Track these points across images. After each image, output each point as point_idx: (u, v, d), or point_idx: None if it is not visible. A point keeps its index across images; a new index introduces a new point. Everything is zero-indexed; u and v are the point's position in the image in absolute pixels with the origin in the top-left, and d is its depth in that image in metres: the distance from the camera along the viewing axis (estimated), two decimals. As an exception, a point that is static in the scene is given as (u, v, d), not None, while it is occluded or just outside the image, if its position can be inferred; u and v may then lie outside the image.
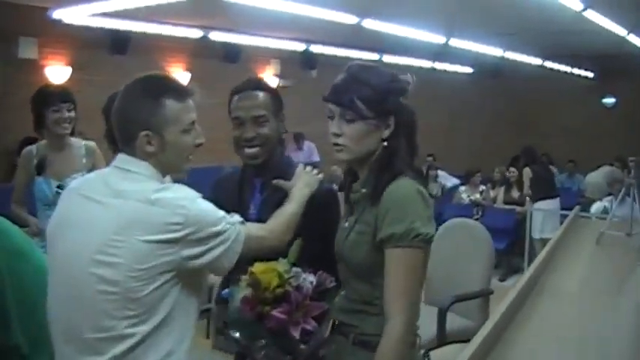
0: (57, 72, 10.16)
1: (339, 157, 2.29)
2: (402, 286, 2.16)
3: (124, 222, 2.03)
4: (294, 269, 2.36)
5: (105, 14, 9.01)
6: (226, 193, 2.76)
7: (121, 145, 2.19)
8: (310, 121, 12.27)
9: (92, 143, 4.27)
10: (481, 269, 4.73)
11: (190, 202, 2.10)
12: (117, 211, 2.05)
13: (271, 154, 2.72)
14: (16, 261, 2.87)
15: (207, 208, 2.15)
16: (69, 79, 9.96)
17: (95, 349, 2.07)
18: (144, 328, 2.07)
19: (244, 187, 2.82)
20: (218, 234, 2.15)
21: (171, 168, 2.22)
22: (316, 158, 12.65)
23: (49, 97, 4.07)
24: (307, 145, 13.03)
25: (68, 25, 9.25)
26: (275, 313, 2.24)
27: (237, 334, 2.34)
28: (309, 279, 2.33)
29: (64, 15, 8.83)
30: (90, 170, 3.80)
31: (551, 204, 9.55)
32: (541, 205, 9.55)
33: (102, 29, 9.97)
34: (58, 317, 2.17)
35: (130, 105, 2.15)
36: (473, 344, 2.57)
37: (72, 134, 4.22)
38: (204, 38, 11.04)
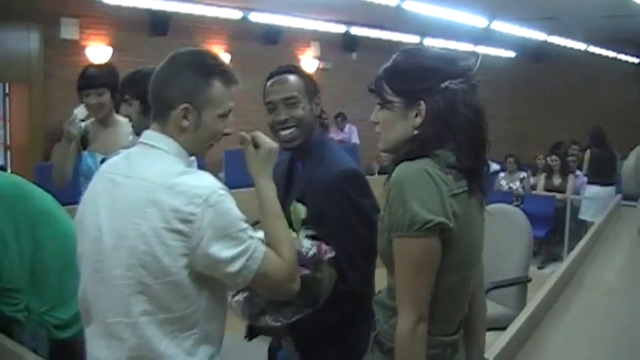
0: (98, 52, 10.24)
1: (378, 147, 2.18)
2: (405, 281, 1.98)
3: (140, 203, 1.99)
4: (301, 232, 2.41)
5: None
6: (277, 181, 2.75)
7: (154, 116, 2.16)
8: (350, 104, 12.30)
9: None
10: (519, 256, 4.68)
11: (210, 194, 1.99)
12: (135, 191, 2.03)
13: (308, 137, 2.72)
14: (42, 222, 3.10)
15: (229, 207, 2.03)
16: (110, 60, 10.03)
17: (115, 334, 2.05)
18: (159, 317, 2.02)
19: (290, 173, 2.84)
20: (236, 240, 2.02)
21: (195, 148, 2.17)
22: (356, 140, 12.61)
23: (81, 81, 4.13)
24: (348, 127, 12.97)
25: (109, 5, 9.32)
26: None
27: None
28: (306, 246, 2.37)
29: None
30: None
31: (602, 191, 9.37)
32: (593, 189, 9.41)
33: (142, 10, 10.03)
34: (86, 297, 2.16)
35: (176, 75, 2.11)
36: (509, 332, 2.55)
37: (117, 111, 4.23)
38: (245, 19, 11.03)
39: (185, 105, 2.08)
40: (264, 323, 2.44)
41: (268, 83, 2.75)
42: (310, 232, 2.46)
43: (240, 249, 2.01)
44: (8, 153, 10.41)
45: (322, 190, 2.55)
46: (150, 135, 2.14)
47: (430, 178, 1.96)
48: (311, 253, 2.39)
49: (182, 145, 2.11)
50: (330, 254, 2.41)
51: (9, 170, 9.76)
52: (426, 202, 1.93)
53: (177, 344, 2.03)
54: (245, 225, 2.05)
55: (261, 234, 2.15)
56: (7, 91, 10.27)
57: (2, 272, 3.03)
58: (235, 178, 8.73)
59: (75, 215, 2.24)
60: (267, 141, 2.29)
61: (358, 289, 2.54)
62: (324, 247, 2.41)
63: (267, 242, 2.13)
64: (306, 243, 2.41)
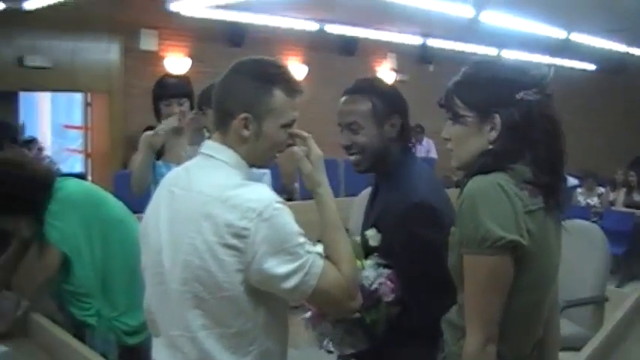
0: (176, 63, 10.43)
1: (452, 165, 2.10)
2: (474, 300, 1.91)
3: (195, 216, 1.96)
4: (368, 261, 2.33)
5: (221, 6, 9.15)
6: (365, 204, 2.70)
7: (215, 125, 2.12)
8: (426, 116, 12.17)
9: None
10: (596, 274, 4.55)
11: (264, 208, 1.91)
12: (191, 204, 2.00)
13: (379, 161, 2.58)
14: (113, 229, 3.19)
15: (285, 221, 1.95)
16: (188, 71, 10.19)
17: (177, 347, 2.03)
18: (216, 332, 1.99)
19: (374, 196, 2.71)
20: (292, 256, 1.93)
21: (257, 160, 2.11)
22: (433, 155, 12.43)
23: (161, 91, 4.14)
24: (426, 140, 12.83)
25: (187, 17, 9.47)
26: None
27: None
28: (370, 277, 2.30)
29: (181, 7, 9.02)
30: None
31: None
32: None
33: (219, 22, 10.16)
34: (150, 309, 2.16)
35: (237, 84, 2.06)
36: (584, 353, 2.47)
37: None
38: (321, 31, 11.07)
39: (245, 114, 2.02)
40: (324, 347, 2.42)
41: (341, 100, 2.63)
42: (381, 261, 2.39)
43: (296, 264, 1.92)
44: (89, 160, 10.68)
45: (393, 221, 2.43)
46: (210, 145, 2.11)
47: (504, 193, 1.87)
48: (373, 286, 2.32)
49: (242, 156, 2.06)
50: (389, 298, 2.32)
51: (89, 177, 10.01)
52: (499, 218, 1.85)
53: (237, 359, 2.00)
54: (302, 240, 1.96)
55: (319, 248, 2.05)
56: (88, 100, 10.56)
57: (75, 277, 3.10)
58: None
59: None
60: (315, 148, 2.17)
61: (424, 327, 2.35)
62: (389, 285, 2.33)
63: (327, 255, 2.04)
64: (371, 273, 2.34)
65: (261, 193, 1.97)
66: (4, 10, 8.10)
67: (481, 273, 1.88)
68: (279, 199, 1.97)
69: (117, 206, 3.35)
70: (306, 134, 2.14)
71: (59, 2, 7.71)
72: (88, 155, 10.76)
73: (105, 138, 10.26)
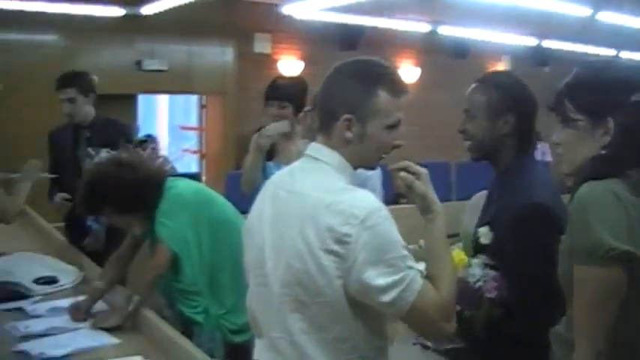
0: (289, 66, 10.54)
1: (562, 171, 2.03)
2: (584, 313, 1.80)
3: (298, 220, 1.94)
4: (476, 260, 2.28)
5: (335, 9, 9.19)
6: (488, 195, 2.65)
7: (319, 127, 2.09)
8: (541, 119, 11.88)
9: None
10: None
11: (368, 215, 1.87)
12: (294, 207, 1.98)
13: (489, 154, 2.55)
14: (221, 229, 3.26)
15: (389, 230, 1.89)
16: (301, 73, 10.28)
17: (278, 349, 2.02)
18: (316, 337, 1.96)
19: (491, 194, 2.65)
20: (393, 268, 1.86)
21: (363, 161, 2.07)
22: (549, 158, 12.11)
23: (267, 92, 4.19)
24: (541, 144, 12.48)
25: (300, 20, 9.56)
26: None
27: None
28: (476, 275, 2.24)
29: (294, 10, 9.11)
30: None
31: None
32: None
33: (333, 24, 10.21)
34: (252, 308, 2.16)
35: (341, 85, 2.03)
36: None
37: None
38: (433, 33, 10.98)
39: (348, 116, 1.98)
40: (419, 341, 2.39)
41: (469, 90, 2.60)
42: (488, 261, 2.33)
43: (395, 278, 1.85)
44: (203, 161, 10.92)
45: (506, 220, 2.35)
46: (315, 147, 2.07)
47: (617, 201, 1.76)
48: (478, 284, 2.29)
49: (346, 158, 2.03)
50: (491, 294, 2.27)
51: (203, 177, 10.23)
52: (612, 227, 1.73)
53: None
54: (404, 252, 1.89)
55: (422, 265, 1.97)
56: (203, 102, 10.80)
57: (184, 275, 3.18)
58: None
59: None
60: (420, 169, 2.09)
61: (528, 334, 2.30)
62: (492, 284, 2.29)
63: (429, 274, 1.97)
64: (478, 271, 2.30)
65: (365, 200, 1.92)
66: (124, 16, 8.39)
67: (592, 285, 1.77)
68: (384, 207, 1.92)
69: (225, 206, 3.43)
70: (424, 171, 2.07)
71: (175, 7, 7.92)
72: (202, 155, 11.02)
73: (219, 139, 10.48)
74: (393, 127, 2.03)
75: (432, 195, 2.05)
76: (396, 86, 2.03)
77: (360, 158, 2.05)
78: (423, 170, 2.07)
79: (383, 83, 2.01)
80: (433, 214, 2.05)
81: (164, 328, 2.95)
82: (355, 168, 2.06)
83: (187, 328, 3.20)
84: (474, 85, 2.57)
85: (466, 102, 2.56)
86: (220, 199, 3.43)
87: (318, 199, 1.93)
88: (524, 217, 2.32)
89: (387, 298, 1.86)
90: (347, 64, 2.08)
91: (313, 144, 2.09)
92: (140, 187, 3.16)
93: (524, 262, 2.29)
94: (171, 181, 3.29)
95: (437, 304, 1.92)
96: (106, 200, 3.17)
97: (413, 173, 2.05)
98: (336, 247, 1.86)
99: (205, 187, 3.49)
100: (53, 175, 4.10)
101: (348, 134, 2.00)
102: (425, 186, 2.05)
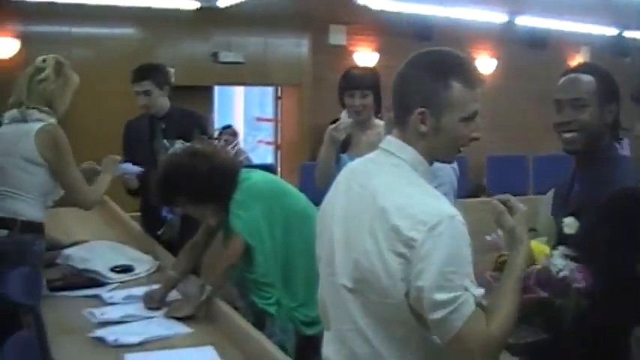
0: (364, 57, 10.51)
1: None
2: None
3: (368, 217, 1.90)
4: (557, 251, 2.18)
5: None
6: (558, 190, 2.59)
7: (395, 120, 2.03)
8: (622, 112, 11.59)
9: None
10: None
11: (437, 222, 1.79)
12: (365, 203, 1.94)
13: (591, 145, 2.47)
14: (295, 221, 3.25)
15: (456, 241, 1.81)
16: (376, 65, 10.23)
17: (345, 342, 2.00)
18: (383, 333, 1.92)
19: (571, 183, 2.58)
20: (450, 283, 1.78)
21: (439, 155, 2.01)
22: (627, 152, 11.81)
23: (345, 82, 4.13)
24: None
25: (375, 11, 9.52)
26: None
27: None
28: (558, 265, 2.12)
29: (370, 1, 9.07)
30: None
31: None
32: None
33: (407, 15, 10.13)
34: (323, 300, 2.14)
35: (414, 77, 1.96)
36: None
37: (376, 116, 4.25)
38: (511, 23, 10.79)
39: (421, 109, 1.92)
40: None
41: (560, 81, 2.52)
42: (569, 252, 2.23)
43: (449, 295, 1.77)
44: (279, 152, 10.99)
45: (597, 211, 2.23)
46: (389, 141, 2.02)
47: None
48: (562, 274, 2.21)
49: (421, 152, 1.97)
50: (580, 284, 2.21)
51: (279, 168, 10.30)
52: None
53: None
54: (467, 269, 1.81)
55: (479, 291, 1.85)
56: (278, 93, 10.86)
57: (257, 266, 3.19)
58: (497, 185, 8.57)
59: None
60: (520, 205, 2.02)
61: (611, 330, 2.17)
62: (578, 274, 2.21)
63: (487, 305, 1.87)
64: (560, 262, 2.23)
65: (438, 206, 1.85)
66: (200, 9, 8.47)
67: None
68: (458, 215, 1.84)
69: (299, 198, 3.43)
70: (522, 208, 2.01)
71: (251, -1, 7.97)
72: (277, 147, 11.08)
73: (294, 130, 10.53)
74: (468, 119, 1.96)
75: (520, 233, 1.99)
76: (470, 77, 1.97)
77: (436, 152, 2.00)
78: (521, 207, 2.00)
79: (457, 74, 1.94)
80: (516, 252, 1.99)
81: (236, 319, 2.96)
82: (431, 162, 2.01)
83: (259, 319, 3.21)
84: (570, 75, 2.49)
85: (566, 91, 2.48)
86: (294, 191, 3.44)
87: (390, 198, 1.88)
88: (619, 205, 2.22)
89: (435, 316, 1.79)
90: (419, 55, 2.02)
91: (388, 137, 2.05)
92: (213, 177, 3.18)
93: (616, 251, 2.17)
94: (245, 173, 3.31)
95: (483, 337, 1.83)
96: (180, 190, 3.20)
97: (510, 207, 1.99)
98: (403, 250, 1.81)
99: (279, 178, 3.50)
100: (138, 169, 4.14)
101: (423, 128, 1.94)
102: (515, 222, 1.98)
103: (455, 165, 3.51)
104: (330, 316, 2.09)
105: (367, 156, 2.13)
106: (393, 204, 1.86)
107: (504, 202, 2.00)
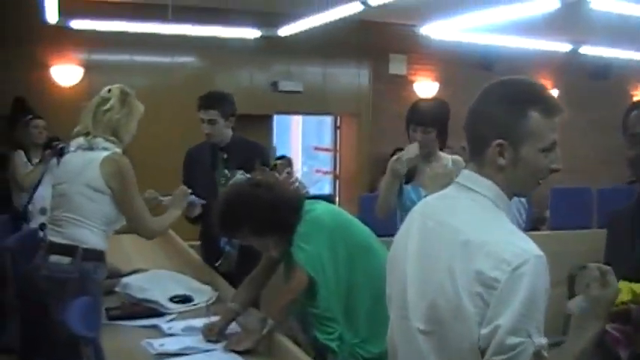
0: (425, 87, 10.47)
1: None
2: None
3: (446, 256, 1.82)
4: None
5: (473, 29, 9.03)
6: (623, 222, 2.50)
7: (470, 154, 1.98)
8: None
9: (459, 158, 4.22)
10: None
11: (522, 262, 1.71)
12: (443, 241, 1.86)
13: None
14: (358, 254, 3.19)
15: (538, 285, 1.72)
16: (436, 95, 10.17)
17: None
18: None
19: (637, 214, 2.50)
20: (520, 329, 1.69)
21: (518, 188, 1.94)
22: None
23: (409, 115, 4.13)
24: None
25: (435, 41, 9.45)
26: (610, 329, 1.96)
27: None
28: None
29: (432, 31, 9.00)
30: None
31: None
32: None
33: (469, 44, 10.04)
34: (394, 342, 2.06)
35: (490, 108, 1.91)
36: None
37: (441, 149, 4.21)
38: (574, 52, 10.61)
39: (499, 141, 1.86)
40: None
41: (632, 114, 2.45)
42: None
43: (515, 341, 1.69)
44: (337, 182, 10.94)
45: None
46: (467, 176, 1.96)
47: None
48: None
49: (500, 186, 1.90)
50: None
51: (337, 199, 10.24)
52: None
53: None
54: (538, 316, 1.71)
55: (542, 341, 1.73)
56: (337, 123, 10.84)
57: (320, 300, 3.11)
58: (560, 218, 8.38)
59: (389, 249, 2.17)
60: (615, 284, 1.88)
61: None
62: None
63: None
64: None
65: (522, 246, 1.75)
66: (260, 37, 8.51)
67: None
68: (541, 254, 1.75)
69: (363, 231, 3.35)
70: (615, 287, 1.88)
71: (312, 28, 7.96)
72: (336, 177, 11.04)
73: (353, 160, 10.49)
74: (548, 149, 1.89)
75: (601, 308, 1.85)
76: (548, 106, 1.90)
77: (515, 185, 1.92)
78: (615, 286, 1.87)
79: (534, 104, 1.88)
80: (592, 327, 1.85)
81: (297, 354, 2.89)
82: (510, 197, 1.93)
83: (321, 354, 3.14)
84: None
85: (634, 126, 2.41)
86: (358, 223, 3.35)
87: (471, 237, 1.80)
88: None
89: (495, 358, 1.70)
90: (494, 85, 1.96)
91: (465, 172, 1.98)
92: (276, 208, 3.12)
93: None
94: (309, 204, 3.25)
95: None
96: (243, 221, 3.15)
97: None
98: (481, 291, 1.72)
99: (343, 210, 3.41)
100: (202, 201, 4.11)
101: (501, 160, 1.87)
102: (602, 295, 1.85)
103: (523, 198, 3.43)
104: (400, 358, 2.01)
105: (442, 192, 2.05)
106: (475, 242, 1.78)
107: (603, 272, 1.87)
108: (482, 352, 1.74)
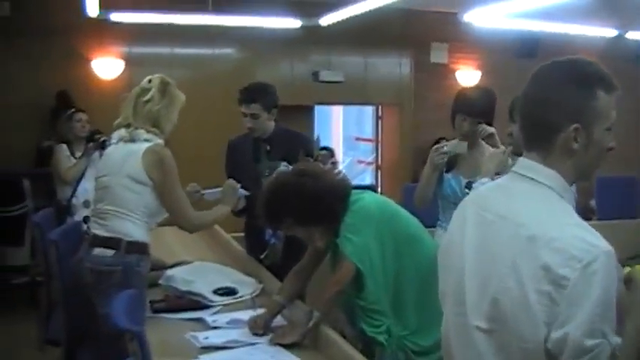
0: (466, 76, 10.34)
1: None
2: None
3: (510, 252, 1.74)
4: None
5: (517, 15, 8.88)
6: None
7: (531, 142, 1.87)
8: None
9: (499, 148, 4.14)
10: None
11: (593, 259, 1.63)
12: (506, 236, 1.78)
13: None
14: (406, 245, 3.13)
15: (610, 282, 1.65)
16: (479, 83, 10.05)
17: None
18: None
19: None
20: (594, 330, 1.62)
21: (583, 174, 1.87)
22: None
23: (455, 104, 4.08)
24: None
25: (477, 28, 9.32)
26: None
27: None
28: None
29: (474, 18, 8.87)
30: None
31: None
32: None
33: (511, 31, 9.89)
34: (448, 339, 1.98)
35: (557, 92, 1.81)
36: None
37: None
38: (619, 38, 10.39)
39: (575, 125, 1.77)
40: None
41: None
42: None
43: (594, 342, 1.62)
44: (379, 172, 10.87)
45: None
46: (527, 165, 1.86)
47: None
48: None
49: (565, 174, 1.81)
50: None
51: (379, 189, 10.18)
52: None
53: None
54: (611, 315, 1.65)
55: (617, 340, 1.68)
56: (379, 113, 10.77)
57: (367, 292, 3.06)
58: (608, 207, 8.23)
59: (437, 241, 2.10)
60: None
61: None
62: None
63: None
64: None
65: (591, 240, 1.67)
66: (301, 27, 8.45)
67: None
68: (610, 249, 1.67)
69: (410, 221, 3.28)
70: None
71: (352, 17, 7.89)
72: (378, 167, 10.97)
73: (394, 150, 10.41)
74: (610, 128, 1.83)
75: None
76: (609, 83, 1.83)
77: (581, 170, 1.85)
78: None
79: (599, 82, 1.81)
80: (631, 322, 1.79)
81: (345, 347, 2.84)
82: (571, 183, 1.85)
83: (368, 347, 3.08)
84: None
85: None
86: (405, 214, 3.28)
87: (537, 232, 1.71)
88: None
89: None
90: (552, 68, 1.87)
91: (525, 161, 1.88)
92: (322, 197, 3.07)
93: None
94: (355, 194, 3.19)
95: None
96: (288, 211, 3.10)
97: None
98: (550, 289, 1.64)
99: (391, 201, 3.34)
100: (247, 193, 4.06)
101: (575, 145, 1.79)
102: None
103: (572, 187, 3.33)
104: (454, 355, 1.93)
105: (497, 182, 1.99)
106: (542, 237, 1.69)
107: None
108: (551, 355, 1.67)
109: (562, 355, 1.64)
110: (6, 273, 7.18)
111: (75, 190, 6.01)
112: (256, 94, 4.33)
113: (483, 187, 2.04)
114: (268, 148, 4.35)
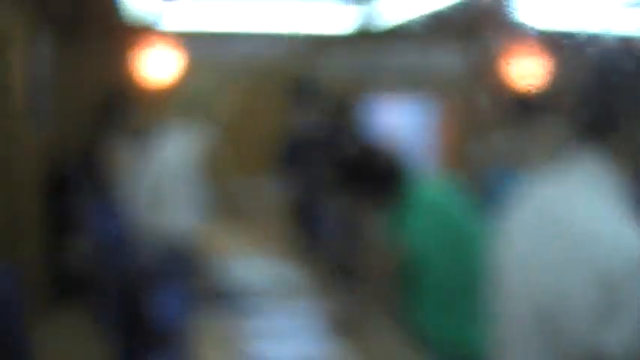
0: (529, 69, 10.28)
1: None
2: None
3: (557, 248, 1.69)
4: None
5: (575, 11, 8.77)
6: None
7: (594, 134, 1.76)
8: None
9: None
10: None
11: None
12: (555, 231, 1.72)
13: None
14: (461, 236, 3.08)
15: None
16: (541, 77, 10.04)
17: None
18: None
19: None
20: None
21: None
22: None
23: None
24: None
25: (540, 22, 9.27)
26: None
27: None
28: None
29: (536, 12, 8.76)
30: None
31: None
32: None
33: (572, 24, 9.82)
34: (500, 340, 1.92)
35: (628, 80, 1.74)
36: None
37: None
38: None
39: None
40: None
41: None
42: None
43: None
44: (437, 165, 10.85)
45: None
46: (587, 160, 1.76)
47: None
48: None
49: (629, 170, 1.73)
50: None
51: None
52: None
53: None
54: None
55: None
56: (439, 106, 10.75)
57: (421, 282, 3.02)
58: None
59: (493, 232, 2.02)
60: None
61: None
62: None
63: None
64: None
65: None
66: (359, 29, 8.47)
67: None
68: None
69: (467, 212, 3.21)
70: None
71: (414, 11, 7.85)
72: (436, 159, 10.92)
73: (454, 142, 10.39)
74: None
75: None
76: None
77: None
78: None
79: None
80: None
81: (395, 337, 2.90)
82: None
83: (419, 338, 3.00)
84: None
85: None
86: (464, 204, 3.21)
87: (593, 228, 1.66)
88: None
89: None
90: (615, 55, 1.84)
91: (585, 155, 1.78)
92: (383, 179, 3.06)
93: None
94: (415, 182, 3.13)
95: None
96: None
97: None
98: (597, 291, 1.58)
99: (451, 189, 3.28)
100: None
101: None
102: None
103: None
104: (507, 356, 1.87)
105: (551, 177, 1.87)
106: (589, 232, 1.65)
107: None
108: (599, 354, 1.60)
109: (613, 355, 1.58)
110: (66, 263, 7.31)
111: (128, 186, 6.10)
112: (308, 93, 4.39)
113: (537, 182, 1.94)
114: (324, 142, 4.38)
